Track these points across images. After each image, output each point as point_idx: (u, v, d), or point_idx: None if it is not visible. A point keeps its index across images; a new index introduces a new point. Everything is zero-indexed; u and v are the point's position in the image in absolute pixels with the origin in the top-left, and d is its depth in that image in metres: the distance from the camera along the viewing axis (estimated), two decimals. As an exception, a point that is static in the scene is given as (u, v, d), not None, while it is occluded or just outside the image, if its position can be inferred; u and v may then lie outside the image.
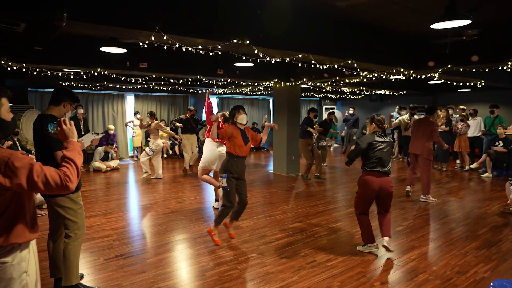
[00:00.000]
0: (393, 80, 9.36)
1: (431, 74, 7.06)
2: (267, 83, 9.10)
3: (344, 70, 6.75)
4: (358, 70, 6.46)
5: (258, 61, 5.43)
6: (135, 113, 11.51)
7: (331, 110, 9.34)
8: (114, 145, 10.05)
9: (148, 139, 9.01)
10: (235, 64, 6.86)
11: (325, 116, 9.43)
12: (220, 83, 9.92)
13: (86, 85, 10.02)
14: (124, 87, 10.69)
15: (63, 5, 2.85)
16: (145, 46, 4.24)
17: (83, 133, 8.42)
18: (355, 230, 4.71)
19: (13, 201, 1.71)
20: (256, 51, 4.65)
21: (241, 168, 4.18)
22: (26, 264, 1.77)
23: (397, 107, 12.90)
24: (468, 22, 3.81)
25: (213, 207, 5.77)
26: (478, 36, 4.98)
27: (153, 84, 9.44)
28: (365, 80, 8.07)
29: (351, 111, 13.45)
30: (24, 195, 1.76)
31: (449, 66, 6.07)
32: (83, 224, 3.00)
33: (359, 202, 3.99)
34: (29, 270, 1.79)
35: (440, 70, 6.35)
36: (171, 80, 8.99)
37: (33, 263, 1.83)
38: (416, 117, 8.24)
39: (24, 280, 1.76)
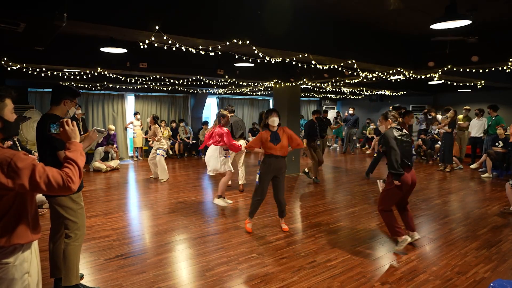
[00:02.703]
0: (393, 81, 9.35)
1: (431, 74, 7.06)
2: (267, 83, 9.10)
3: (344, 70, 6.75)
4: (358, 70, 6.46)
5: (258, 61, 5.43)
6: (135, 114, 11.53)
7: (314, 109, 8.95)
8: (115, 145, 10.06)
9: (149, 139, 8.99)
10: (235, 64, 6.85)
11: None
12: (220, 83, 9.92)
13: (86, 85, 10.02)
14: (124, 87, 10.69)
15: (63, 5, 2.85)
16: (145, 46, 4.25)
17: (82, 133, 8.39)
18: (355, 231, 4.71)
19: (15, 202, 1.71)
20: (256, 51, 4.65)
21: (277, 167, 4.51)
22: (28, 265, 1.77)
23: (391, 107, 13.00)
24: (468, 22, 3.80)
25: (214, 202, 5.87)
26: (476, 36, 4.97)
27: (153, 84, 9.44)
28: (365, 80, 8.06)
29: (351, 111, 13.46)
30: (27, 195, 1.76)
31: (449, 67, 6.08)
32: (83, 224, 3.00)
33: (392, 198, 3.91)
34: (31, 270, 1.78)
35: (440, 71, 6.35)
36: (171, 80, 8.99)
37: (35, 264, 1.83)
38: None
39: (26, 281, 1.75)
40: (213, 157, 5.76)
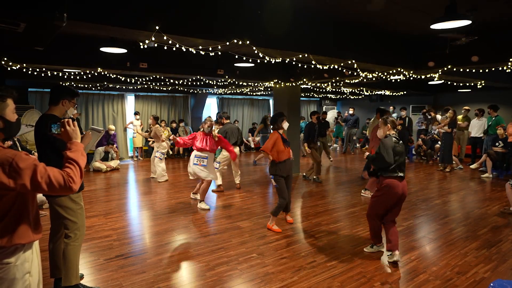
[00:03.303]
0: (393, 81, 9.35)
1: (431, 74, 7.05)
2: (267, 83, 9.10)
3: (344, 70, 6.75)
4: (358, 70, 6.46)
5: (258, 61, 5.43)
6: (135, 114, 11.53)
7: (313, 110, 8.91)
8: (115, 145, 10.06)
9: (149, 139, 9.00)
10: (235, 64, 6.86)
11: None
12: (220, 83, 9.92)
13: (86, 85, 10.02)
14: (124, 87, 10.69)
15: (63, 5, 2.85)
16: (145, 46, 4.24)
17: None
18: (355, 231, 4.71)
19: (16, 202, 1.71)
20: (256, 51, 4.65)
21: (287, 168, 4.71)
22: (30, 264, 1.77)
23: (391, 107, 13.08)
24: (468, 22, 3.80)
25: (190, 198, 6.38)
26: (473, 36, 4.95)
27: (153, 84, 9.44)
28: (365, 80, 8.05)
29: (351, 111, 13.46)
30: (28, 195, 1.76)
31: (449, 67, 6.07)
32: (83, 225, 3.00)
33: (378, 207, 3.82)
34: (32, 270, 1.79)
35: (440, 71, 6.35)
36: (171, 80, 8.99)
37: (36, 264, 1.83)
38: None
39: (27, 281, 1.75)
40: (191, 162, 5.82)
